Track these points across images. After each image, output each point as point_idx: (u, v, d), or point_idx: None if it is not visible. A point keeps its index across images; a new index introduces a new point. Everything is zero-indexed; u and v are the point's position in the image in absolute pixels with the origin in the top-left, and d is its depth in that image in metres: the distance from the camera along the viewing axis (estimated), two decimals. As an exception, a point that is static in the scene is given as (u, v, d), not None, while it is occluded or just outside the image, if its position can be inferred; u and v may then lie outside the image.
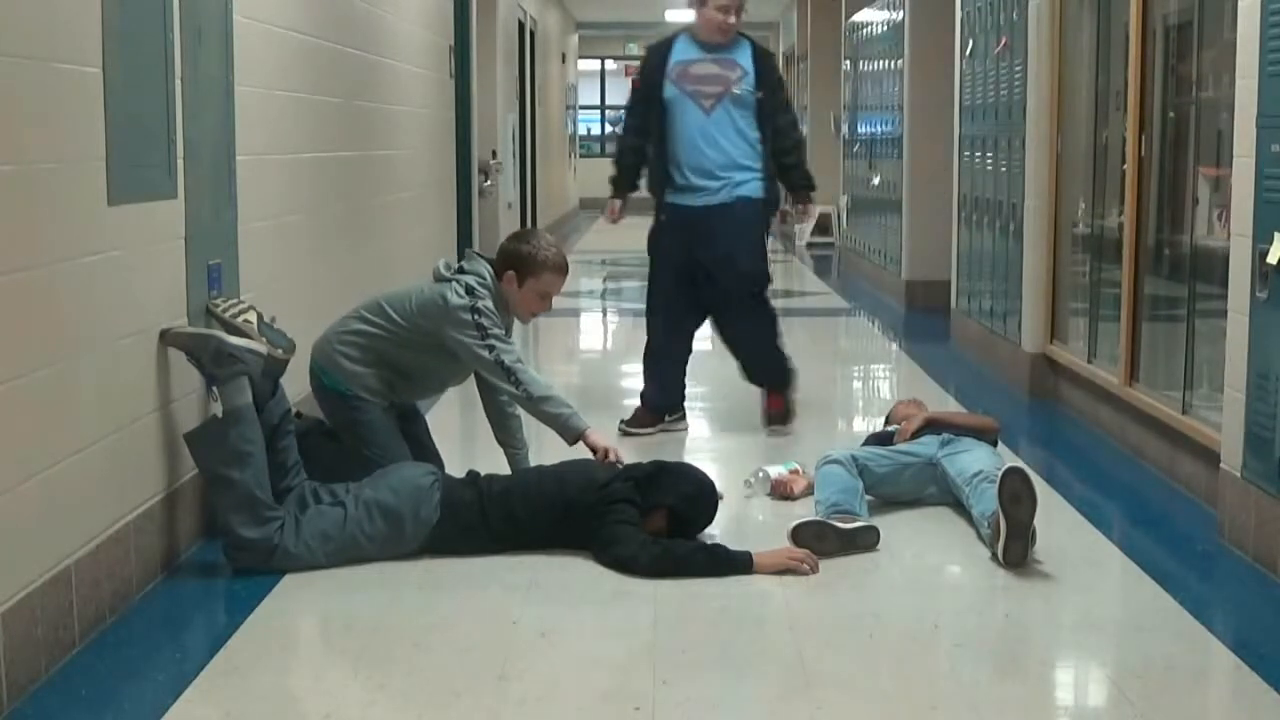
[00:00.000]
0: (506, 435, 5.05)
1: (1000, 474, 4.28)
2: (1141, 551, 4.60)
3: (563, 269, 4.88)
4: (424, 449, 4.97)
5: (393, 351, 4.77)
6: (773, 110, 6.17)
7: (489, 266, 4.82)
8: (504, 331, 4.75)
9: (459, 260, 4.93)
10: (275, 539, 4.16)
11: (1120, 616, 4.06)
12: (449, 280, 4.75)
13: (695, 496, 4.53)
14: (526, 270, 4.79)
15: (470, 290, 4.69)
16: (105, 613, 3.76)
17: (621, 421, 6.19)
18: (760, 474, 5.22)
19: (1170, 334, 5.79)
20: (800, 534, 4.39)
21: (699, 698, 3.42)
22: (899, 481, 4.95)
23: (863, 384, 8.54)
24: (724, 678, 3.58)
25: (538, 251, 4.81)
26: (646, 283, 6.47)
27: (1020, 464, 4.44)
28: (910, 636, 3.78)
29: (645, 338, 6.41)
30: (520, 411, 4.99)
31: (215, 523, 4.32)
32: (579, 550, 4.33)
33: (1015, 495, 4.23)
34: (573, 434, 4.73)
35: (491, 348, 4.65)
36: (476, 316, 4.65)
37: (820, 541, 4.36)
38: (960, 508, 4.79)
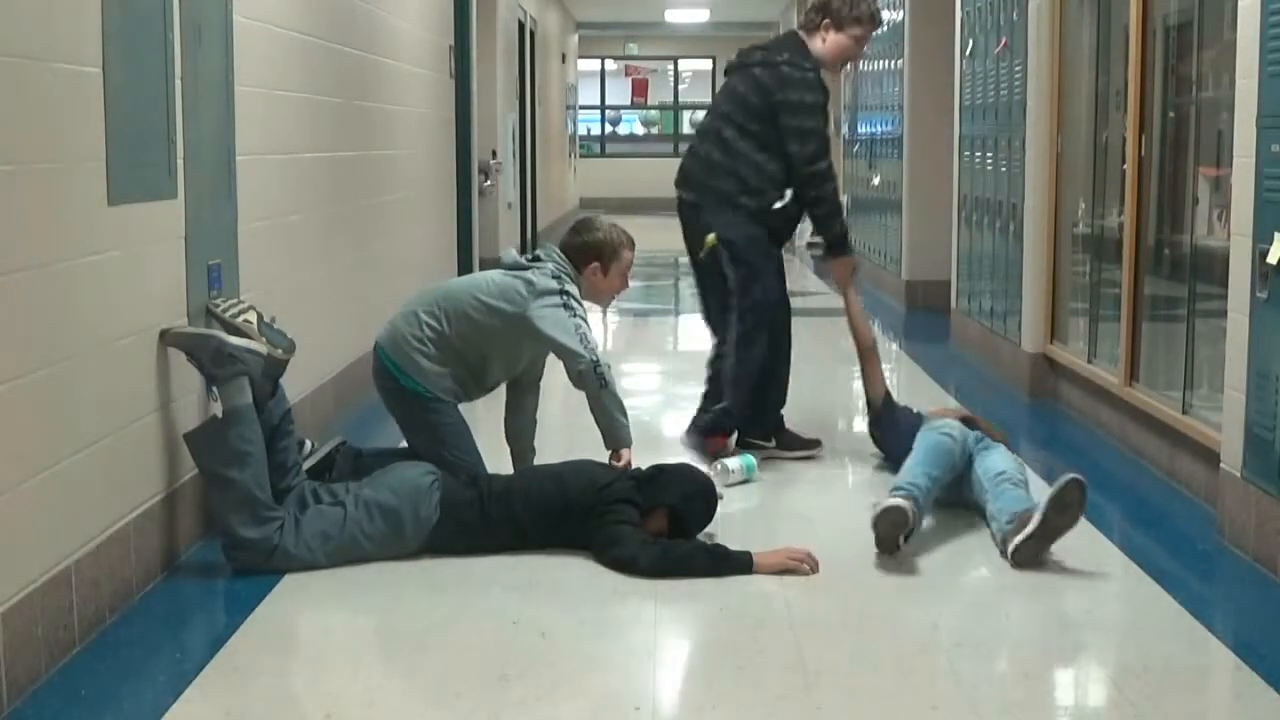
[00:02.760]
0: (520, 439, 5.08)
1: (1064, 480, 4.25)
2: (1141, 551, 4.59)
3: (632, 242, 5.02)
4: None
5: (467, 346, 4.79)
6: None
7: (564, 257, 4.90)
8: (587, 317, 4.83)
9: (533, 250, 5.01)
10: (275, 539, 4.15)
11: (1120, 616, 4.06)
12: (530, 267, 4.82)
13: (695, 496, 4.53)
14: (610, 256, 4.92)
15: (557, 277, 4.79)
16: (105, 613, 3.76)
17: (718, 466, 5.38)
18: (719, 467, 5.23)
19: (1170, 334, 5.79)
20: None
21: (699, 698, 3.42)
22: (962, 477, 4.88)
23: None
24: (724, 678, 3.58)
25: (612, 235, 4.95)
26: (744, 294, 5.53)
27: (1082, 478, 4.35)
28: (910, 636, 3.78)
29: (732, 356, 5.56)
30: (537, 419, 5.09)
31: (215, 523, 4.31)
32: (579, 550, 4.33)
33: (1066, 504, 4.23)
34: (618, 443, 4.78)
35: (579, 327, 4.72)
36: (566, 299, 4.76)
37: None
38: (965, 507, 4.78)
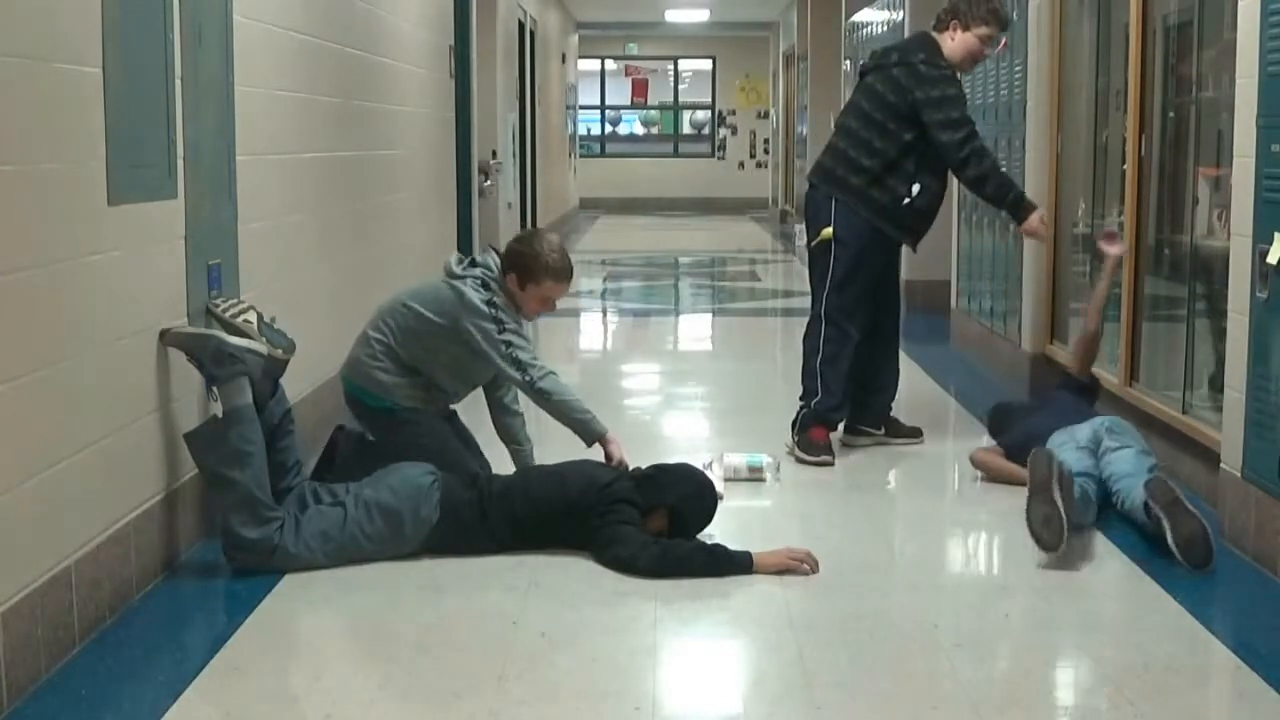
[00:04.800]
0: (510, 434, 5.07)
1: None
2: (1141, 551, 4.59)
3: (564, 275, 4.85)
4: (470, 449, 5.01)
5: (416, 351, 4.78)
6: None
7: (498, 262, 4.84)
8: (520, 327, 4.77)
9: (472, 255, 4.95)
10: (275, 539, 4.15)
11: (1120, 616, 4.06)
12: (463, 276, 4.78)
13: (695, 496, 4.53)
14: (528, 275, 4.79)
15: (485, 285, 4.75)
16: (105, 613, 3.76)
17: (800, 451, 5.67)
18: (709, 463, 5.22)
19: (1170, 334, 5.79)
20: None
21: (699, 698, 3.43)
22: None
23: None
24: (724, 678, 3.58)
25: (540, 256, 4.79)
26: (833, 279, 5.70)
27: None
28: (910, 636, 3.78)
29: (820, 350, 5.73)
30: (522, 409, 5.05)
31: (215, 523, 4.31)
32: (579, 550, 4.33)
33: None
34: (591, 437, 4.78)
35: (508, 343, 4.68)
36: (494, 310, 4.70)
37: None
38: (963, 502, 4.78)
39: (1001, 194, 5.66)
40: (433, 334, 4.76)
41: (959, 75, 5.67)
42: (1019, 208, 5.67)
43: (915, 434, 6.00)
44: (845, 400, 5.76)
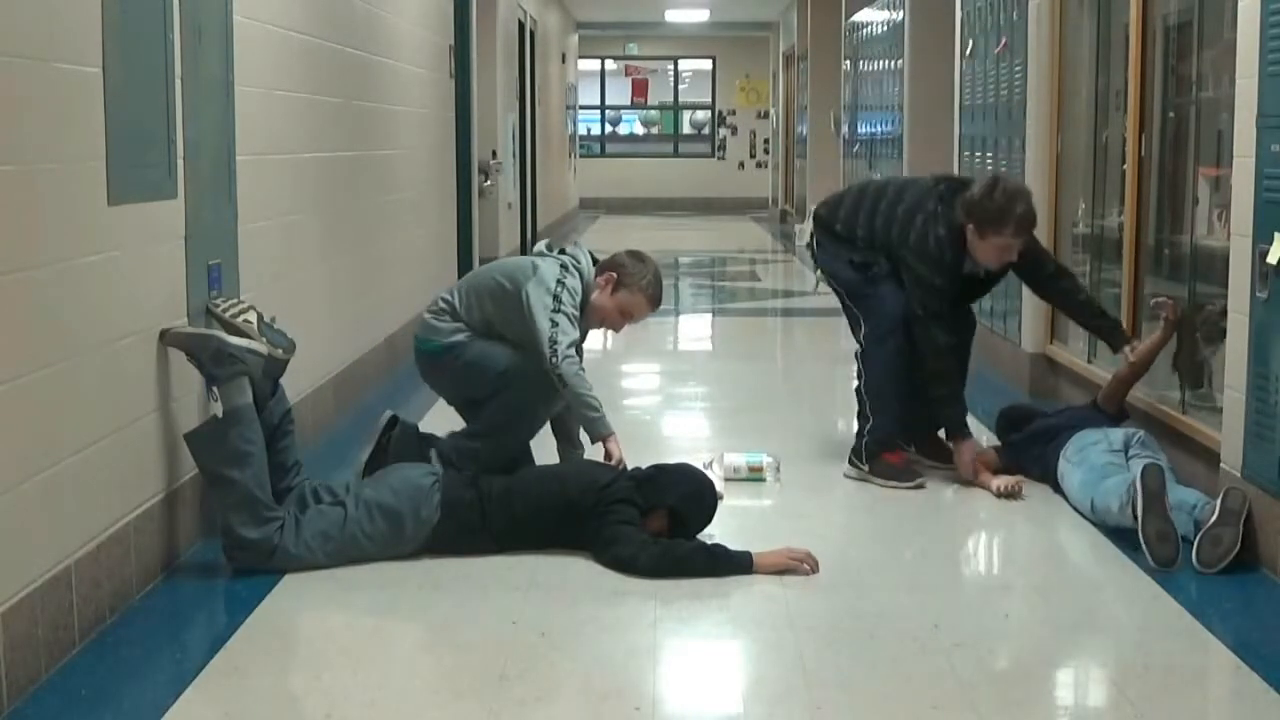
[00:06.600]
0: (566, 431, 5.10)
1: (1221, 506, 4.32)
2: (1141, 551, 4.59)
3: (654, 299, 4.99)
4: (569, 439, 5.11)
5: (474, 310, 4.89)
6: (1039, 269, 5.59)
7: (590, 260, 4.95)
8: (576, 317, 4.79)
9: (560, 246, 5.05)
10: (275, 539, 4.15)
11: (1120, 616, 4.06)
12: (546, 255, 4.89)
13: (695, 496, 4.53)
14: (624, 282, 4.90)
15: (564, 267, 4.82)
16: (105, 613, 3.76)
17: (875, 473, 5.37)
18: (709, 463, 5.21)
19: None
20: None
21: (699, 698, 3.43)
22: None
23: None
24: (724, 678, 3.58)
25: (644, 275, 4.92)
26: (866, 310, 5.45)
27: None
28: (910, 636, 3.77)
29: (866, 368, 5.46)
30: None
31: (215, 523, 4.31)
32: (579, 550, 4.33)
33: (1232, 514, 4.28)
34: (595, 435, 4.80)
35: (555, 322, 4.70)
36: (559, 288, 4.75)
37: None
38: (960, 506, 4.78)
39: (941, 405, 5.32)
40: (495, 295, 4.86)
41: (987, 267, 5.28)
42: (954, 429, 5.32)
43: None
44: (899, 417, 5.41)
